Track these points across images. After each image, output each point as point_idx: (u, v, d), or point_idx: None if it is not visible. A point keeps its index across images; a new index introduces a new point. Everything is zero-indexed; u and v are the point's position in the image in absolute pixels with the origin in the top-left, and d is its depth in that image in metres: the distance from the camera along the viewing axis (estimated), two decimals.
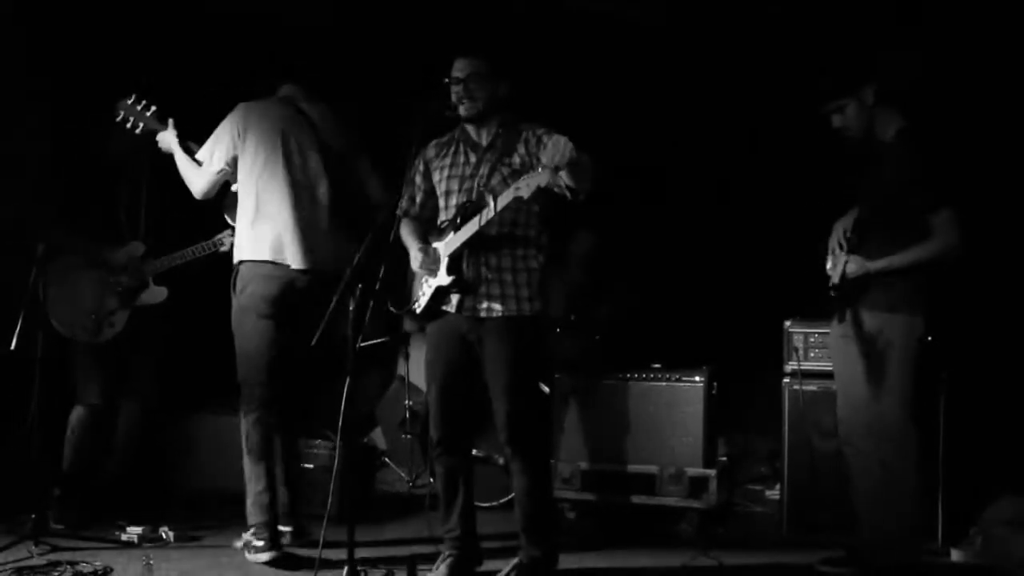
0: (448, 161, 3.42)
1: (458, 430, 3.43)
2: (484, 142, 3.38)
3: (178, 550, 3.76)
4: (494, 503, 4.28)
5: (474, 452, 3.84)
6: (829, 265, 3.39)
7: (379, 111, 4.40)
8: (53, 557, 3.56)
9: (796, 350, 3.96)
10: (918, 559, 3.41)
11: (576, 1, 4.83)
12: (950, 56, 4.11)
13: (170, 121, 3.85)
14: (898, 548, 3.35)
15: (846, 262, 3.30)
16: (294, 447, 3.84)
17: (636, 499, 4.10)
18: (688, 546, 3.83)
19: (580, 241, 4.76)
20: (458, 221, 3.31)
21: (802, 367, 3.93)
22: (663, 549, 3.81)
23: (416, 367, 4.74)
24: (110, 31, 4.60)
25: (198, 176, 3.73)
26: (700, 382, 4.08)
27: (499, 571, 3.41)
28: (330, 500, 3.35)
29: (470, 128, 3.39)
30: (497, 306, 3.29)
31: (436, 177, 3.45)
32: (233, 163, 3.67)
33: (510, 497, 4.20)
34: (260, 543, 3.55)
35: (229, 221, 3.86)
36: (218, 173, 3.69)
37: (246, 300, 3.61)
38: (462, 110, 3.33)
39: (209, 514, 4.16)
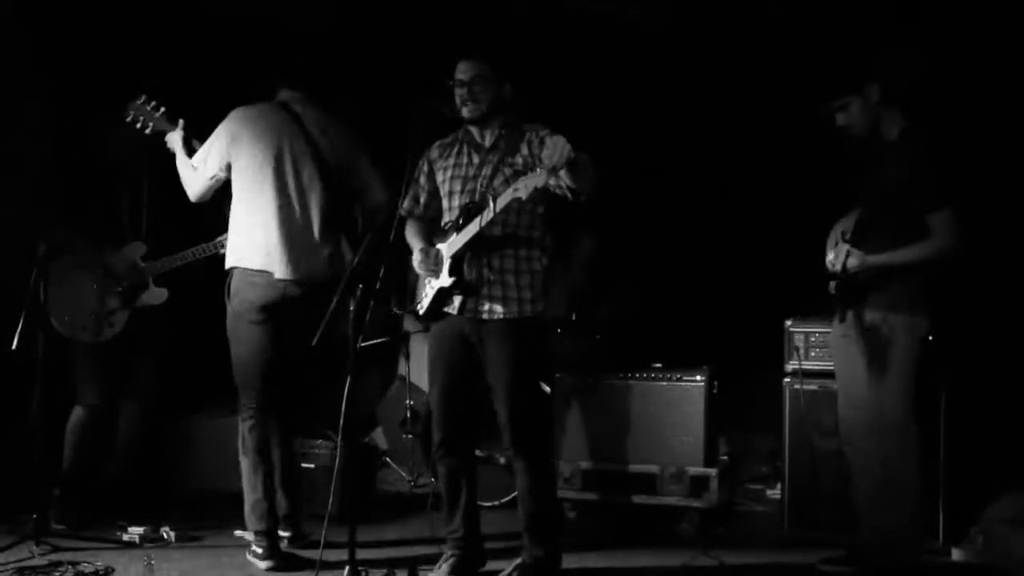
0: (451, 162, 3.42)
1: (460, 431, 3.43)
2: (487, 143, 3.38)
3: (179, 550, 3.77)
4: (495, 502, 4.28)
5: (476, 452, 3.84)
6: (831, 256, 3.39)
7: (379, 111, 4.40)
8: (54, 557, 3.57)
9: (797, 349, 3.96)
10: (919, 558, 3.41)
11: (576, 1, 4.83)
12: (950, 56, 4.11)
13: (180, 122, 3.85)
14: (899, 547, 3.36)
15: (848, 252, 3.30)
16: (291, 448, 3.83)
17: (637, 499, 4.10)
18: (689, 545, 3.83)
19: (582, 245, 4.75)
20: (460, 222, 3.31)
21: (803, 366, 3.92)
22: (664, 548, 3.82)
23: (417, 367, 4.74)
24: (110, 31, 4.60)
25: (194, 179, 3.73)
26: (701, 381, 4.08)
27: (501, 571, 3.41)
28: (331, 500, 3.36)
29: (473, 129, 3.39)
30: (499, 308, 3.29)
31: (440, 178, 3.45)
32: (227, 169, 3.66)
33: (512, 496, 4.22)
34: (260, 550, 3.56)
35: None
36: (211, 178, 3.69)
37: (238, 306, 3.62)
38: (466, 112, 3.32)
39: (210, 514, 4.16)
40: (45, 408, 3.72)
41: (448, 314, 3.37)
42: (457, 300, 3.34)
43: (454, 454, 3.43)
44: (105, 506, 4.06)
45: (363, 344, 3.22)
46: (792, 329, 3.99)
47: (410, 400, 4.77)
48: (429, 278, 3.39)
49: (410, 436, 4.77)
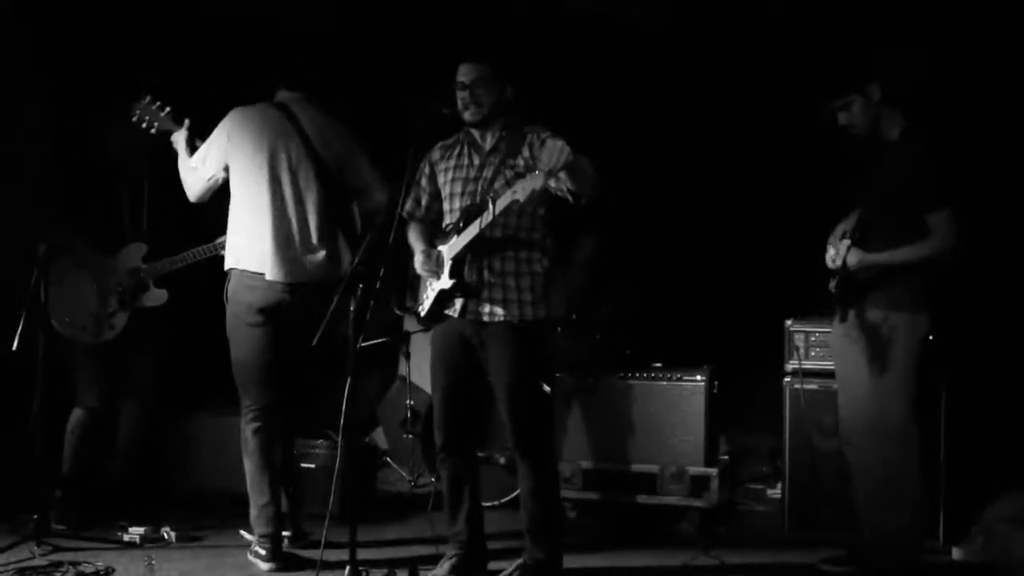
0: (452, 163, 3.42)
1: (462, 433, 3.43)
2: (488, 145, 3.37)
3: (180, 550, 3.77)
4: (495, 502, 4.28)
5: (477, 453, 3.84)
6: (832, 252, 3.39)
7: (379, 111, 4.40)
8: (55, 558, 3.57)
9: (797, 349, 3.96)
10: (919, 558, 3.42)
11: (576, 1, 4.83)
12: (950, 56, 4.11)
13: (186, 122, 3.84)
14: (899, 547, 3.36)
15: (849, 247, 3.30)
16: (291, 448, 3.83)
17: (637, 498, 4.10)
18: (689, 545, 3.84)
19: (583, 247, 4.75)
20: (461, 225, 3.31)
21: (803, 366, 3.93)
22: (664, 548, 3.82)
23: (417, 367, 4.74)
24: (110, 31, 4.60)
25: (193, 180, 3.73)
26: (701, 381, 4.08)
27: (502, 571, 3.41)
28: (331, 500, 3.35)
29: (475, 131, 3.39)
30: (499, 310, 3.29)
31: (441, 180, 3.44)
32: (226, 169, 3.65)
33: (512, 496, 4.23)
34: (262, 552, 3.56)
35: None
36: (210, 179, 3.68)
37: (236, 308, 3.61)
38: (468, 116, 3.31)
39: (210, 514, 4.16)
40: (46, 409, 3.72)
41: (449, 316, 3.37)
42: (458, 303, 3.33)
43: (456, 456, 3.43)
44: (106, 506, 4.05)
45: (363, 344, 3.22)
46: (792, 329, 3.99)
47: (410, 400, 4.77)
48: (430, 280, 3.39)
49: (410, 436, 4.77)
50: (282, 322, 3.60)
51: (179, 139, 3.83)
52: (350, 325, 3.18)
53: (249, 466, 3.62)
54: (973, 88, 4.14)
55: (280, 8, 4.74)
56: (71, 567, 3.44)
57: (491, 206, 3.15)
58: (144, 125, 3.87)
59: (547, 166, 2.96)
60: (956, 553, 3.65)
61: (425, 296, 3.42)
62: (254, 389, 3.62)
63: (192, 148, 3.77)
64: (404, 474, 4.88)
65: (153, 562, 3.32)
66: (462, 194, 3.37)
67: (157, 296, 4.13)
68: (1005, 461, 3.71)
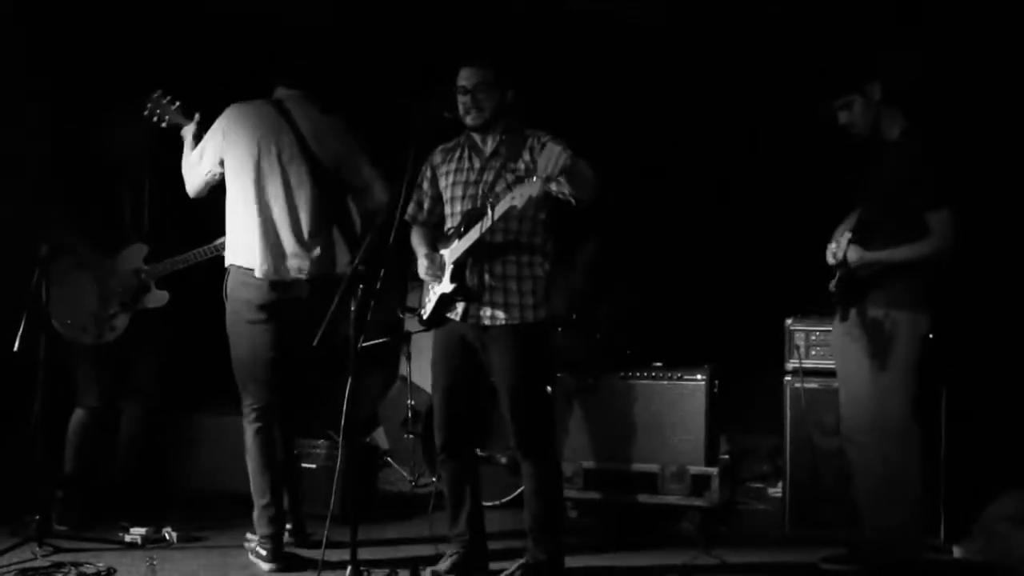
0: (453, 167, 3.42)
1: (461, 435, 3.43)
2: (488, 149, 3.37)
3: (181, 551, 3.77)
4: (496, 502, 4.28)
5: (478, 452, 3.84)
6: (833, 247, 3.39)
7: (379, 111, 4.40)
8: (57, 558, 3.57)
9: (797, 348, 3.96)
10: (920, 556, 3.42)
11: (576, 1, 4.83)
12: (950, 56, 4.12)
13: (196, 116, 3.84)
14: (900, 545, 3.37)
15: (850, 240, 3.30)
16: (292, 448, 3.83)
17: (639, 498, 4.11)
18: (690, 544, 3.84)
19: (584, 251, 4.75)
20: (462, 229, 3.31)
21: (803, 365, 3.93)
22: (665, 547, 3.82)
23: (418, 367, 4.75)
24: (110, 31, 4.60)
25: (192, 175, 3.73)
26: (702, 380, 4.08)
27: (504, 570, 3.41)
28: (332, 500, 3.34)
29: (475, 135, 3.38)
30: (501, 314, 3.29)
31: (442, 183, 3.44)
32: (222, 165, 3.65)
33: (513, 496, 4.23)
34: (264, 552, 3.56)
35: None
36: (207, 174, 3.68)
37: (234, 305, 3.61)
38: (469, 120, 3.31)
39: (212, 515, 4.16)
40: (47, 409, 3.72)
41: (451, 319, 3.37)
42: (460, 306, 3.33)
43: (456, 458, 3.44)
44: (107, 507, 4.05)
45: (364, 344, 3.22)
46: (792, 328, 4.00)
47: (411, 400, 4.78)
48: (432, 284, 3.40)
49: (411, 436, 4.77)
50: (282, 320, 3.60)
51: (187, 133, 3.83)
52: (351, 325, 3.18)
53: (250, 466, 3.62)
54: (973, 88, 4.15)
55: (280, 8, 4.73)
56: (72, 568, 3.45)
57: (490, 211, 3.16)
58: (155, 119, 3.88)
59: (544, 172, 2.96)
60: (957, 552, 3.65)
61: (427, 299, 3.43)
62: (254, 387, 3.62)
63: (198, 143, 3.77)
64: (405, 474, 4.89)
65: (154, 563, 3.32)
66: (463, 198, 3.37)
67: (158, 297, 4.12)
68: (1005, 460, 3.72)
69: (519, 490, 3.92)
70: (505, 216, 3.17)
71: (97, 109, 4.23)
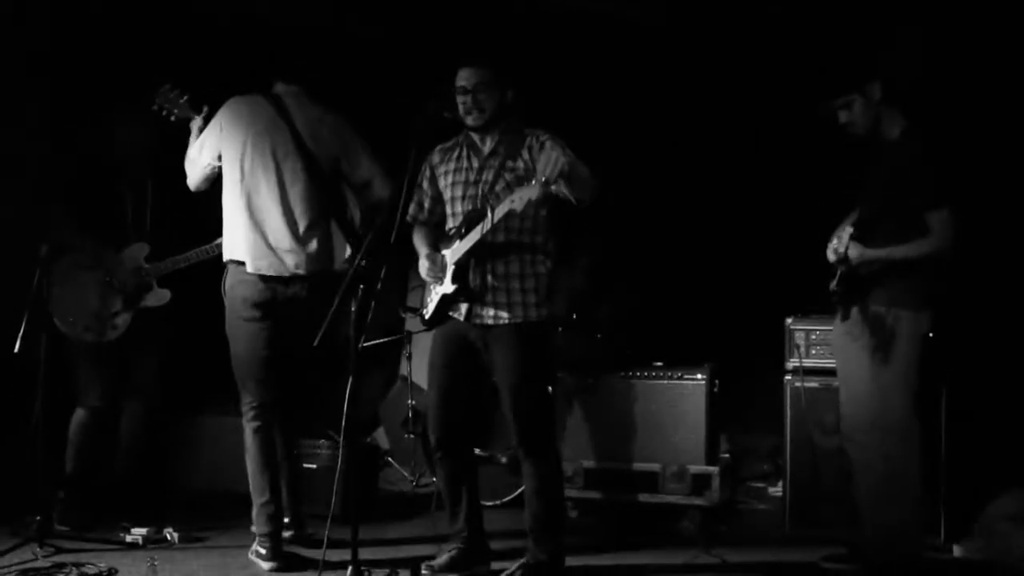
0: (452, 167, 3.42)
1: (456, 434, 3.44)
2: (487, 149, 3.37)
3: (182, 551, 3.76)
4: (497, 502, 4.29)
5: (477, 452, 3.85)
6: (834, 243, 3.40)
7: (379, 111, 4.40)
8: (58, 559, 3.56)
9: (797, 347, 3.97)
10: (920, 555, 3.43)
11: (576, 1, 4.83)
12: (950, 56, 4.13)
13: (204, 109, 3.85)
14: (901, 544, 3.37)
15: (852, 235, 3.31)
16: (293, 448, 3.83)
17: (639, 497, 4.11)
18: (691, 544, 3.85)
19: (584, 252, 4.75)
20: (463, 230, 3.31)
21: (803, 364, 3.94)
22: (666, 547, 3.83)
23: (419, 367, 4.74)
24: (110, 31, 4.60)
25: (192, 168, 3.74)
26: (702, 380, 4.09)
27: (504, 570, 3.42)
28: (333, 500, 3.34)
29: (474, 134, 3.38)
30: (504, 314, 3.30)
31: (441, 183, 3.45)
32: (219, 159, 3.65)
33: (513, 496, 4.24)
34: (263, 551, 3.56)
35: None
36: (205, 167, 3.69)
37: (232, 303, 3.61)
38: (470, 121, 3.31)
39: (213, 515, 4.16)
40: (48, 409, 3.72)
41: (454, 318, 3.37)
42: (464, 307, 3.34)
43: (452, 456, 3.45)
44: (108, 507, 4.05)
45: (365, 344, 3.22)
46: (792, 327, 4.00)
47: (412, 400, 4.78)
48: (434, 284, 3.40)
49: (412, 436, 4.77)
50: (279, 319, 3.60)
51: (195, 127, 3.85)
52: (351, 325, 3.18)
53: (249, 464, 3.63)
54: (973, 88, 4.15)
55: (280, 8, 4.73)
56: (74, 568, 3.44)
57: (490, 214, 3.16)
58: (164, 113, 3.89)
59: (543, 175, 2.97)
60: (957, 551, 3.66)
61: (429, 300, 3.43)
62: (253, 386, 3.61)
63: None
64: (406, 474, 4.89)
65: (156, 563, 3.32)
66: (463, 197, 3.37)
67: (160, 296, 4.12)
68: (1006, 459, 3.72)
69: (519, 490, 3.92)
70: (506, 215, 3.18)
71: (97, 109, 4.23)
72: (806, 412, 3.89)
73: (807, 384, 3.90)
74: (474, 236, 3.25)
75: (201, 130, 3.79)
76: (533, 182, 3.01)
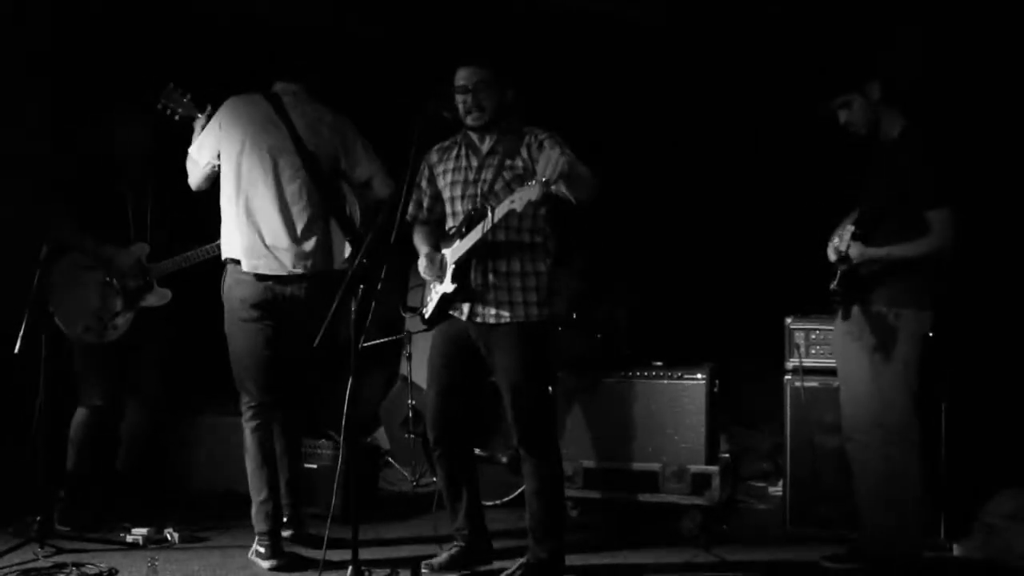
0: (451, 166, 3.42)
1: (454, 431, 3.44)
2: (485, 147, 3.37)
3: (183, 551, 3.77)
4: (497, 501, 4.29)
5: (477, 451, 3.85)
6: (836, 242, 3.40)
7: (379, 111, 4.40)
8: (59, 559, 3.56)
9: (797, 347, 3.97)
10: (920, 554, 3.43)
11: (576, 1, 4.84)
12: (950, 56, 4.13)
13: (208, 108, 3.85)
14: (901, 543, 3.38)
15: (853, 233, 3.31)
16: (295, 448, 3.83)
17: (639, 496, 4.12)
18: (691, 543, 3.85)
19: (576, 259, 4.75)
20: (463, 230, 3.32)
21: (803, 363, 3.94)
22: (666, 546, 3.83)
23: (418, 367, 4.74)
24: (110, 31, 4.60)
25: (193, 167, 3.74)
26: (702, 379, 4.09)
27: (504, 569, 3.42)
28: (334, 500, 3.35)
29: (473, 133, 3.39)
30: (505, 313, 3.30)
31: (440, 182, 3.45)
32: (219, 158, 3.65)
33: (514, 495, 4.24)
34: (263, 550, 3.57)
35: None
36: (205, 166, 3.69)
37: (230, 303, 3.62)
38: (470, 120, 3.30)
39: (214, 515, 4.16)
40: (48, 410, 3.72)
41: (454, 317, 3.38)
42: (466, 306, 3.34)
43: (450, 455, 3.45)
44: (109, 507, 4.05)
45: (365, 344, 3.22)
46: (792, 326, 4.00)
47: (412, 400, 4.78)
48: (434, 284, 3.40)
49: (412, 436, 4.78)
50: (278, 319, 3.60)
51: (198, 126, 3.85)
52: (351, 325, 3.18)
53: (248, 463, 3.63)
54: (973, 88, 4.16)
55: (281, 9, 4.73)
56: (74, 568, 3.44)
57: (490, 214, 3.17)
58: (168, 112, 3.89)
59: (543, 176, 2.97)
60: (957, 549, 3.67)
61: (429, 299, 3.43)
62: (252, 386, 3.62)
63: None
64: (406, 474, 4.89)
65: (156, 563, 3.32)
66: (462, 197, 3.37)
67: (161, 296, 4.12)
68: (1005, 458, 3.73)
69: (520, 489, 3.93)
70: (506, 214, 3.18)
71: (97, 109, 4.22)
72: (806, 411, 3.90)
73: (807, 384, 3.91)
74: (474, 236, 3.25)
75: (204, 129, 3.79)
76: (533, 182, 3.01)
